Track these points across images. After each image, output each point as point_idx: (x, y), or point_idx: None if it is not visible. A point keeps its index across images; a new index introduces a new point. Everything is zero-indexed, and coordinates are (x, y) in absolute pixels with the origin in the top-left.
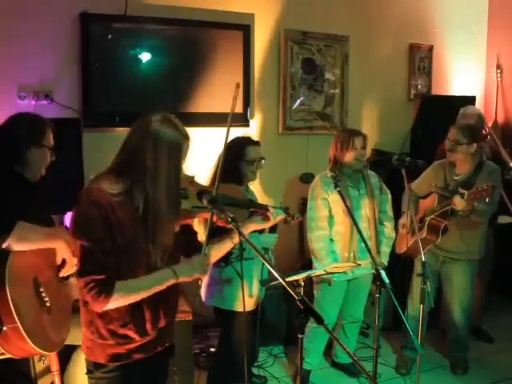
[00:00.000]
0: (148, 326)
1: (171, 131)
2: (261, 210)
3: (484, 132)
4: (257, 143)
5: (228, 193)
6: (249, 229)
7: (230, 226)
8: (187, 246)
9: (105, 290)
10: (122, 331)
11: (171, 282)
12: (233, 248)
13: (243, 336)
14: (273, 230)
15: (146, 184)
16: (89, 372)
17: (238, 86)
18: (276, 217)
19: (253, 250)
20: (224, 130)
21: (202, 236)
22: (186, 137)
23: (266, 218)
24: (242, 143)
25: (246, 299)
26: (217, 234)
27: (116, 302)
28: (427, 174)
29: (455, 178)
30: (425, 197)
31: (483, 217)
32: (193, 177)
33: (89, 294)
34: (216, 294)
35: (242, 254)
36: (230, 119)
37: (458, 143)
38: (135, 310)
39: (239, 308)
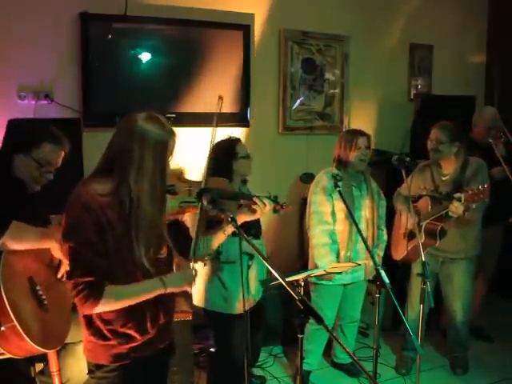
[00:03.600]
0: (148, 324)
1: (157, 129)
2: (249, 201)
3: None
4: (240, 140)
5: (216, 186)
6: (239, 220)
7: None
8: (181, 242)
9: (93, 293)
10: (122, 330)
11: (159, 291)
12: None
13: (236, 338)
14: (257, 236)
15: (131, 182)
16: (90, 372)
17: (221, 98)
18: (264, 207)
19: (233, 254)
20: (223, 130)
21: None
22: (172, 134)
23: (254, 209)
24: (231, 143)
25: (233, 302)
26: (209, 225)
27: (104, 307)
28: (414, 176)
29: (443, 178)
30: (416, 200)
31: (477, 214)
32: (180, 172)
33: (77, 296)
34: (203, 296)
35: (241, 254)
36: (215, 132)
37: (439, 142)
38: (135, 309)
39: (225, 310)
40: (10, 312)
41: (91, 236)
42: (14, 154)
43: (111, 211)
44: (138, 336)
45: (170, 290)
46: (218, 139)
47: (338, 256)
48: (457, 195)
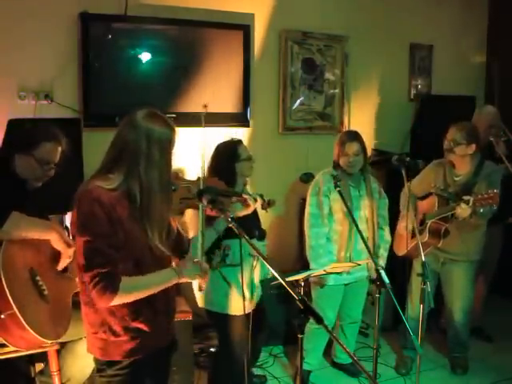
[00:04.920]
0: (157, 318)
1: (161, 127)
2: (240, 199)
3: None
4: (242, 142)
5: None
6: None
7: (230, 225)
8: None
9: (111, 285)
10: (134, 325)
11: (174, 281)
12: (213, 253)
13: (238, 339)
14: (261, 238)
15: (141, 171)
16: (100, 371)
17: (205, 107)
18: (255, 202)
19: (237, 256)
20: (223, 129)
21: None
22: (173, 130)
23: (247, 205)
24: (233, 145)
25: (236, 303)
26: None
27: (121, 299)
28: (426, 173)
29: (455, 178)
30: (423, 198)
31: (484, 219)
32: (178, 171)
33: (94, 288)
34: (205, 297)
35: (242, 256)
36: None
37: (456, 143)
38: (146, 303)
39: (228, 311)
40: (10, 299)
41: (105, 229)
42: (15, 154)
43: (120, 206)
44: (147, 329)
45: (183, 280)
46: (219, 141)
47: (337, 256)
48: (466, 197)
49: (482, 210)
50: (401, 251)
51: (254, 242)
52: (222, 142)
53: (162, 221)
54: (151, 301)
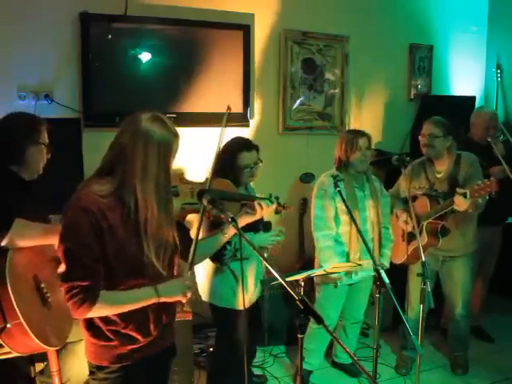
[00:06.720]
0: (151, 326)
1: (161, 130)
2: (251, 203)
3: (492, 130)
4: (252, 148)
5: (219, 187)
6: (241, 222)
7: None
8: (181, 243)
9: (89, 298)
10: (124, 331)
11: (153, 300)
12: (225, 248)
13: (240, 334)
14: (267, 229)
15: (136, 182)
16: (91, 374)
17: (229, 108)
18: (266, 208)
19: (248, 250)
20: (224, 129)
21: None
22: (176, 135)
23: (255, 210)
24: (236, 148)
25: (241, 298)
26: (213, 227)
27: (97, 312)
28: (406, 178)
29: (438, 175)
30: (413, 200)
31: (480, 210)
32: (182, 173)
33: (70, 300)
34: (211, 291)
35: (242, 253)
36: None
37: (433, 137)
38: (138, 311)
39: (234, 306)
40: (16, 309)
41: (88, 239)
42: (26, 149)
43: (112, 213)
44: (140, 338)
45: (163, 300)
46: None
47: (347, 258)
48: (460, 190)
49: (480, 201)
50: (398, 259)
51: (261, 234)
52: (232, 138)
53: (159, 235)
54: (144, 309)
